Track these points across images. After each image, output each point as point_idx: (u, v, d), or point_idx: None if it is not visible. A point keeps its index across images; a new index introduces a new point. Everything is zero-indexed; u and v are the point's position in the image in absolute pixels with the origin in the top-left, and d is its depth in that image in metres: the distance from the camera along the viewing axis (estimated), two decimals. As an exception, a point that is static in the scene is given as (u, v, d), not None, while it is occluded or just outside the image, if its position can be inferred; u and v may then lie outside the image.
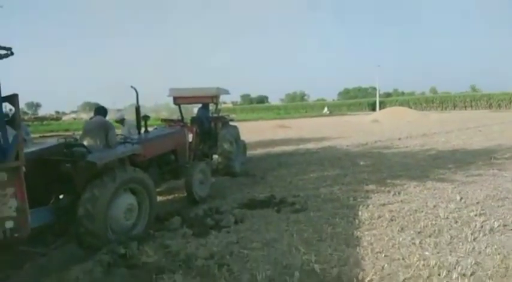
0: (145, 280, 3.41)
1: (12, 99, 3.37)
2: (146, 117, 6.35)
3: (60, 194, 4.57)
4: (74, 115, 67.09)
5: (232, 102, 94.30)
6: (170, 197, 7.15)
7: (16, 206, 3.32)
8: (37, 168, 4.09)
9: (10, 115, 3.46)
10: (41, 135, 20.70)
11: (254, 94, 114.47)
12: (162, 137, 6.52)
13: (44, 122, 44.55)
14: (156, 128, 7.62)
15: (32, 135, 8.26)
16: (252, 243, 4.25)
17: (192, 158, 7.44)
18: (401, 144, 13.93)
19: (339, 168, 9.29)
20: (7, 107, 3.61)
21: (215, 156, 9.05)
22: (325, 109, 65.17)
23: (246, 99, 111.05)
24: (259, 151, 13.43)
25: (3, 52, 3.33)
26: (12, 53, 3.34)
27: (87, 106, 69.29)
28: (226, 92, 10.13)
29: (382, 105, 59.56)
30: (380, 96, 64.34)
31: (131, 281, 3.40)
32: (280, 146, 14.83)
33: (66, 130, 22.75)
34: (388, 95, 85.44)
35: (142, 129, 6.33)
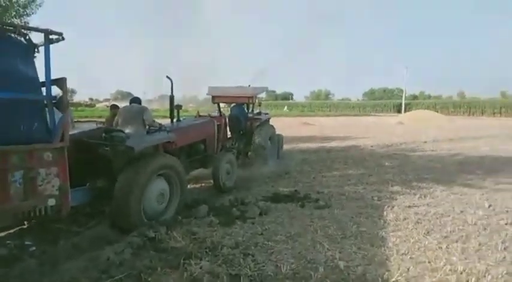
0: (173, 264, 3.51)
1: (61, 82, 3.49)
2: (179, 107, 6.54)
3: (96, 176, 4.72)
4: (106, 103, 68.68)
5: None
6: (197, 185, 7.29)
7: (59, 185, 3.46)
8: (76, 150, 4.23)
9: (57, 98, 3.56)
10: (76, 120, 21.23)
11: (279, 90, 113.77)
12: (193, 126, 6.71)
13: (78, 108, 45.46)
14: (184, 119, 7.74)
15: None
16: (276, 236, 4.30)
17: (219, 148, 7.55)
18: (427, 148, 13.66)
19: (364, 167, 9.23)
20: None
21: (250, 154, 9.04)
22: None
23: (271, 95, 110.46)
24: (284, 147, 13.38)
25: (55, 37, 3.45)
26: (63, 38, 3.47)
27: (119, 95, 70.93)
28: (264, 89, 9.90)
29: (408, 107, 58.38)
30: (406, 98, 63.00)
31: (160, 264, 3.50)
32: (305, 143, 14.79)
33: (100, 117, 23.21)
34: (414, 97, 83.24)
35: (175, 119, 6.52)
